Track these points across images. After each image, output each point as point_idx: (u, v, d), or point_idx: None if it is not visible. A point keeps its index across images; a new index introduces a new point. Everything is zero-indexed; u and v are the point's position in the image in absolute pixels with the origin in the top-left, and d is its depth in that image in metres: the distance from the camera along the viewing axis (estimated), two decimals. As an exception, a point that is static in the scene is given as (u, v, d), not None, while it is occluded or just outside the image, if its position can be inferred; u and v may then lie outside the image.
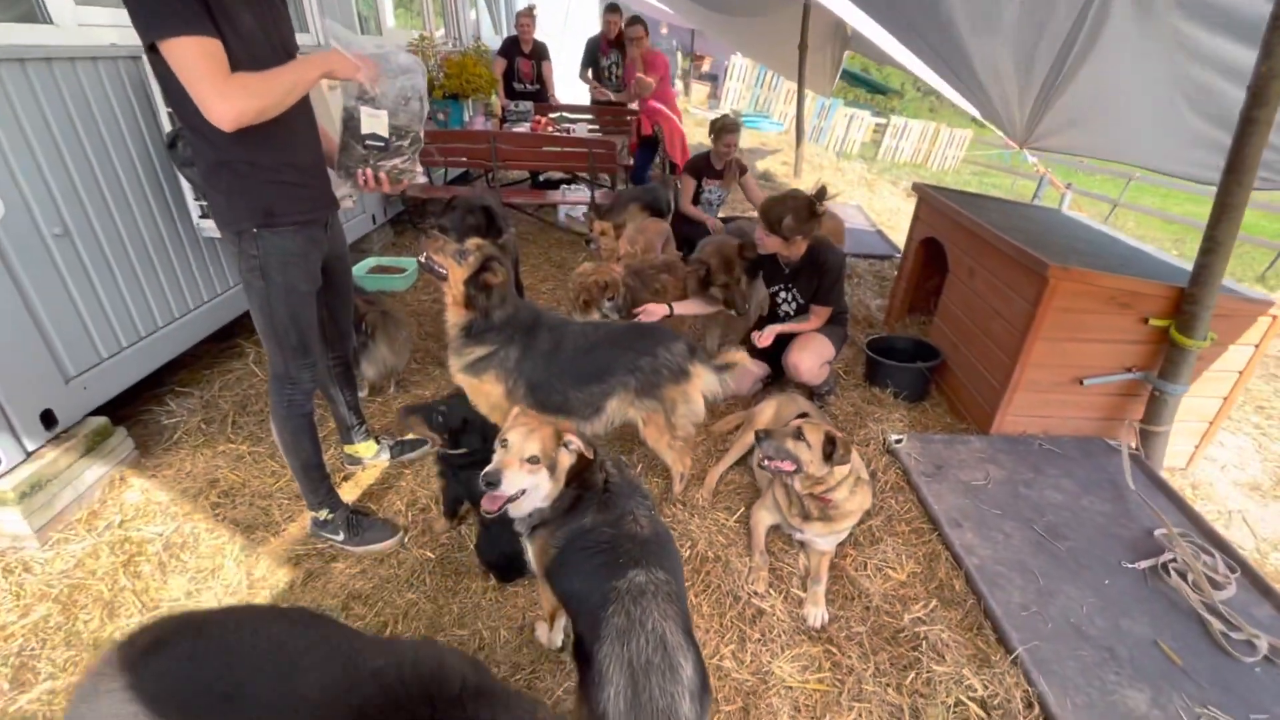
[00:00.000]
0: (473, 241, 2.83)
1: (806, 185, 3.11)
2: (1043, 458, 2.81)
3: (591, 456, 1.70)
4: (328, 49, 1.96)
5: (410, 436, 3.02)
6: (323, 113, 2.18)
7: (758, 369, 3.31)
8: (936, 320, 3.57)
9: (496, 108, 6.09)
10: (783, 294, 3.14)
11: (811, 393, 3.27)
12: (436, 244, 2.45)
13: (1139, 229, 10.09)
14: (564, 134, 5.82)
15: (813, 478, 2.22)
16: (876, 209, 7.47)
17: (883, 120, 14.15)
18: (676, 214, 4.85)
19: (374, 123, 2.07)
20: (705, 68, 19.03)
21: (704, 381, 2.51)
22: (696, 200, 4.71)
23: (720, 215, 4.80)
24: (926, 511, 2.53)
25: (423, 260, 2.41)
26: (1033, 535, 2.39)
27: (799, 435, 2.20)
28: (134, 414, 2.94)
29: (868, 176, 9.70)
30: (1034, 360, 2.74)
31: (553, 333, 2.46)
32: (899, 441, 2.89)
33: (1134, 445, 2.84)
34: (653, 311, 3.04)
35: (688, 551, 2.35)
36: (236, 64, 1.61)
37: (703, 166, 4.70)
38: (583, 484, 1.68)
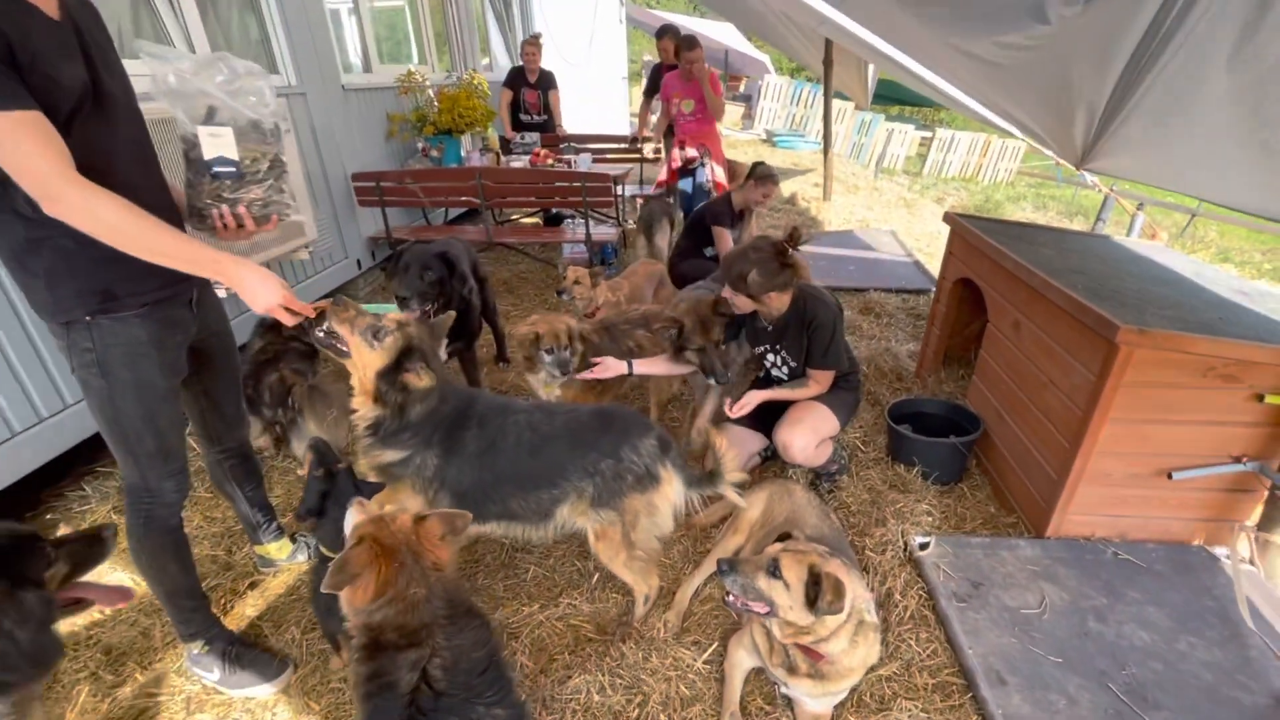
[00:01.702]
0: (392, 318, 2.40)
1: (837, 209, 2.57)
2: (1119, 573, 2.15)
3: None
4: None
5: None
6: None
7: (752, 441, 2.76)
8: (975, 380, 2.93)
9: (494, 142, 5.77)
10: (771, 356, 2.60)
11: (816, 475, 2.69)
12: (345, 313, 2.00)
13: (1223, 239, 8.97)
14: (563, 167, 5.45)
15: (794, 625, 1.66)
16: (915, 234, 6.77)
17: (928, 133, 13.33)
18: (684, 256, 4.38)
19: (218, 143, 1.66)
20: (740, 88, 18.62)
21: (675, 491, 1.99)
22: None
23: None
24: (958, 658, 1.92)
25: (320, 334, 1.97)
26: (1109, 700, 1.75)
27: (774, 571, 1.65)
28: (57, 495, 2.64)
29: (907, 196, 8.96)
30: (1102, 447, 2.10)
31: (487, 428, 1.97)
32: (925, 546, 2.28)
33: (1247, 558, 2.14)
34: (608, 367, 2.55)
35: (636, 711, 1.81)
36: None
37: (729, 214, 4.30)
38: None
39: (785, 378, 2.59)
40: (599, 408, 2.11)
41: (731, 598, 1.71)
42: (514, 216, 6.57)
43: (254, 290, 1.51)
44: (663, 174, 6.14)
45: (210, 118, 1.66)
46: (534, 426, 1.96)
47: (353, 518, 1.39)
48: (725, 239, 4.23)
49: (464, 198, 4.76)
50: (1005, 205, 9.93)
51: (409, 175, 4.57)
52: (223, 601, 2.24)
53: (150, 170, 1.62)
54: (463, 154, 5.61)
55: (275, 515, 2.35)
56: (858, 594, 1.75)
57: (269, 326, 3.07)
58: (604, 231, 5.32)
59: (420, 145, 5.50)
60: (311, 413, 2.65)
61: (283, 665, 1.96)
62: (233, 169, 1.68)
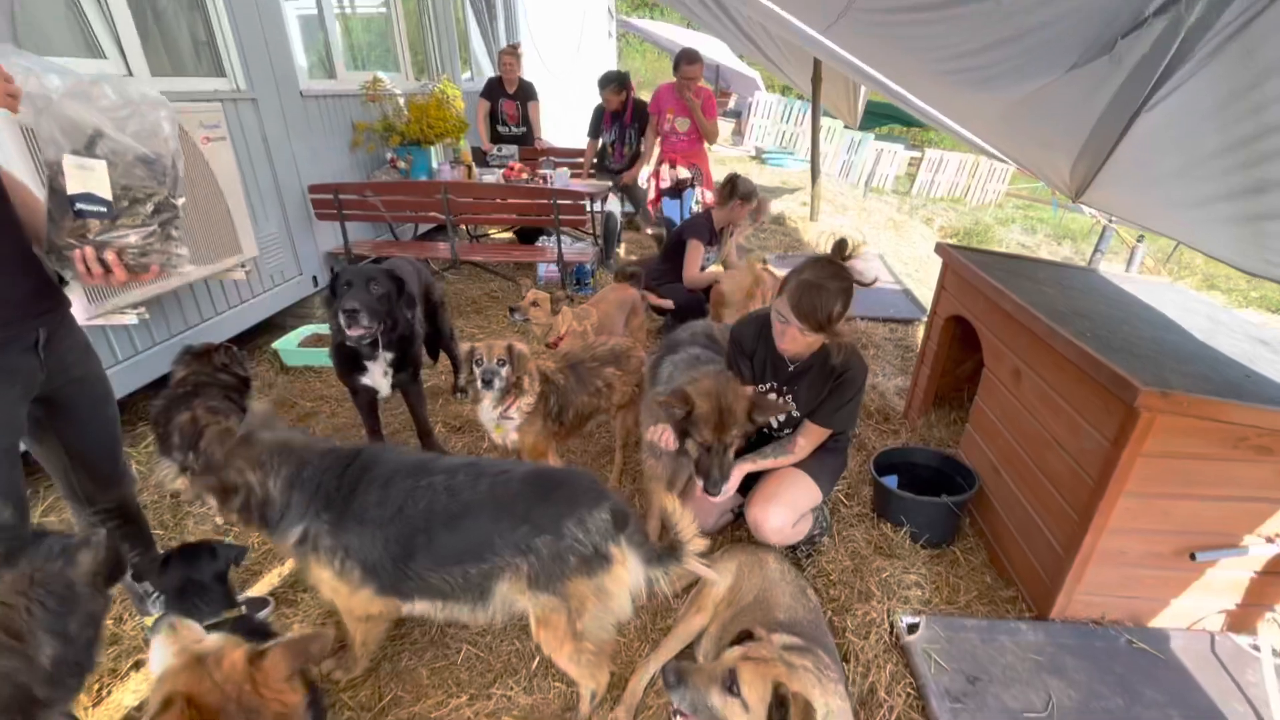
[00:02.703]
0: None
1: (824, 229, 2.24)
2: (1135, 666, 1.88)
3: None
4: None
5: (249, 594, 2.29)
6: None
7: (723, 497, 2.48)
8: (970, 429, 2.67)
9: (466, 155, 5.50)
10: (774, 398, 2.26)
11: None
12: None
13: (1208, 265, 8.86)
14: (539, 182, 5.19)
15: (757, 752, 1.37)
16: (904, 257, 6.56)
17: (917, 153, 13.26)
18: (662, 280, 4.12)
19: (86, 178, 1.38)
20: (730, 104, 18.53)
21: (631, 573, 1.68)
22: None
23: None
24: (952, 777, 1.63)
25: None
26: (1130, 839, 1.47)
27: (730, 686, 1.36)
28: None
29: (895, 217, 8.79)
30: (1116, 523, 1.84)
31: (392, 489, 1.66)
32: (914, 628, 2.00)
33: None
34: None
35: (568, 845, 1.51)
36: None
37: (709, 229, 4.05)
38: None
39: (777, 426, 2.29)
40: (540, 470, 1.79)
41: (678, 717, 1.42)
42: (490, 232, 6.30)
43: None
44: (652, 193, 5.91)
45: (90, 146, 1.38)
46: (453, 491, 1.64)
47: (160, 653, 1.06)
48: (696, 253, 3.98)
49: (429, 213, 4.48)
50: (994, 227, 9.80)
51: (369, 188, 4.28)
52: (97, 686, 1.91)
53: None
54: (434, 166, 5.34)
55: (168, 582, 2.03)
56: (832, 709, 1.47)
57: (195, 355, 2.75)
58: (579, 250, 5.06)
59: (388, 156, 5.22)
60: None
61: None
62: (103, 209, 1.40)
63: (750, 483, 2.33)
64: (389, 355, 2.57)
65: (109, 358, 2.88)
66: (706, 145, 5.63)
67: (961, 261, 2.76)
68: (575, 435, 2.88)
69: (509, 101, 6.22)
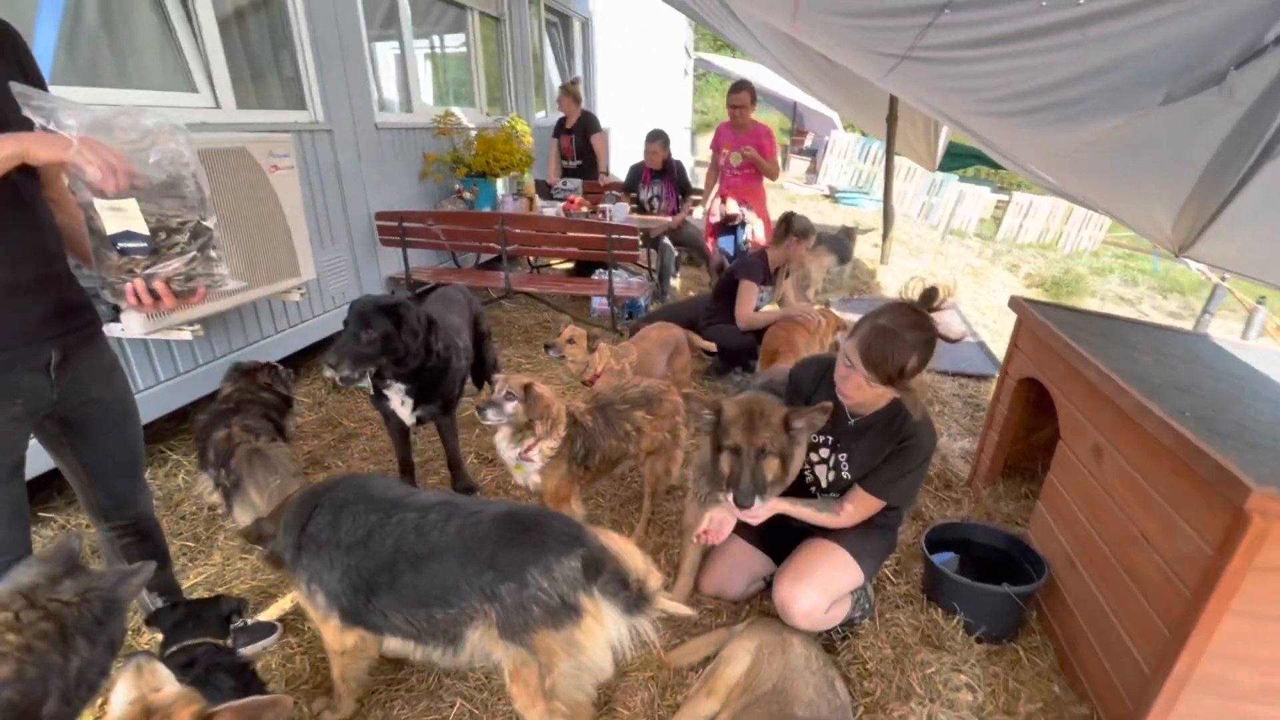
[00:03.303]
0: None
1: (895, 273, 2.06)
2: (1242, 829, 1.53)
3: None
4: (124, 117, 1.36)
5: (260, 617, 2.28)
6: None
7: (753, 561, 2.27)
8: (1041, 507, 2.35)
9: (529, 188, 5.62)
10: (825, 452, 2.05)
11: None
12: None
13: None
14: (597, 217, 5.21)
15: None
16: (981, 307, 6.13)
17: (1004, 196, 12.59)
18: (713, 320, 4.00)
19: (119, 219, 1.42)
20: (806, 142, 18.37)
21: (607, 628, 1.54)
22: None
23: None
24: None
25: None
26: None
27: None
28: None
29: (975, 263, 8.30)
30: (1220, 647, 1.52)
31: (359, 521, 1.63)
32: (961, 744, 1.72)
33: None
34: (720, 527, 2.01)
35: None
36: None
37: (763, 270, 3.93)
38: None
39: (824, 488, 2.08)
40: (513, 512, 1.67)
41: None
42: (551, 263, 6.38)
43: (37, 151, 1.22)
44: (706, 230, 5.84)
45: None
46: (421, 531, 1.59)
47: (120, 694, 1.02)
48: (749, 294, 3.83)
49: (487, 243, 4.56)
50: (1087, 278, 9.06)
51: (431, 216, 4.41)
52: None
53: (18, 246, 1.37)
54: (498, 197, 5.47)
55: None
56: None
57: (243, 372, 2.85)
58: (631, 284, 5.01)
59: (456, 187, 5.40)
60: (251, 480, 2.34)
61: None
62: (143, 243, 1.44)
63: (784, 553, 2.13)
64: (402, 388, 2.56)
65: (169, 370, 3.03)
66: (766, 182, 5.51)
67: (1038, 319, 2.48)
68: (601, 480, 2.76)
69: (566, 136, 6.37)
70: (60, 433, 1.56)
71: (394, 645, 1.71)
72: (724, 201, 5.34)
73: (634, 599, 1.54)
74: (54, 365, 1.45)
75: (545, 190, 6.17)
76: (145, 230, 1.44)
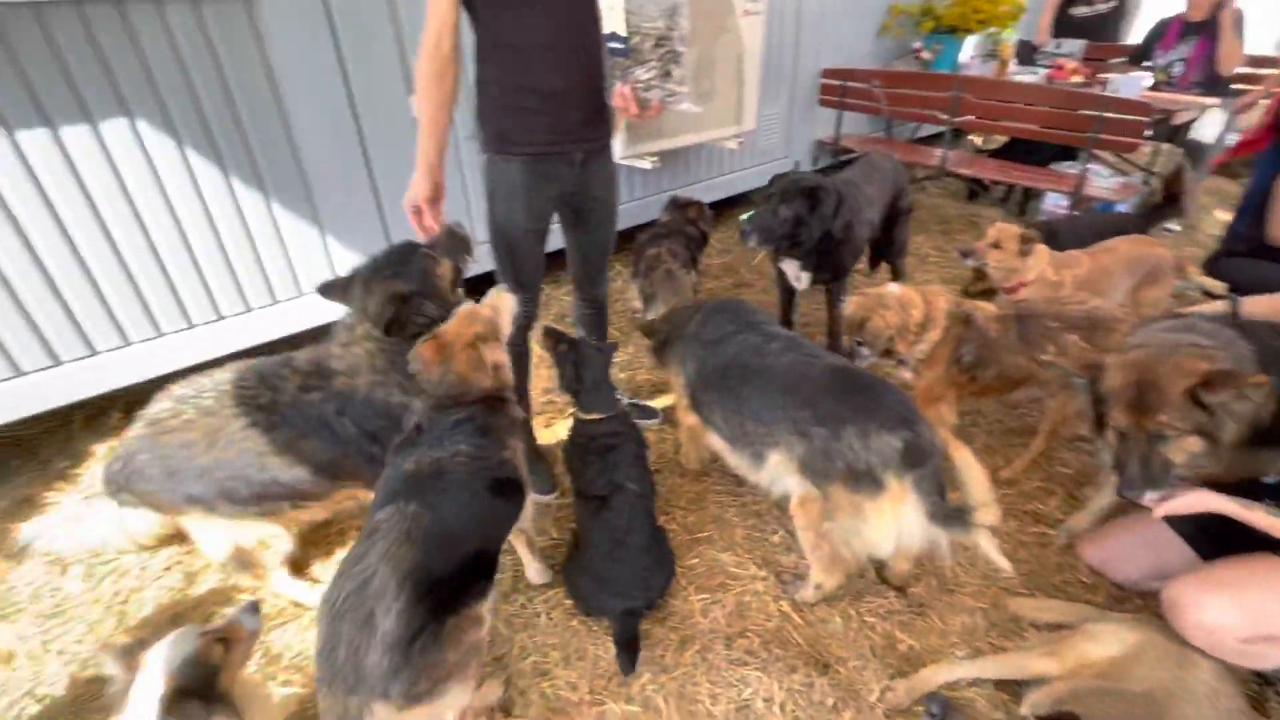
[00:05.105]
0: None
1: None
2: None
3: None
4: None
5: (649, 403, 2.80)
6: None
7: (1168, 549, 1.75)
8: None
9: (1006, 49, 4.60)
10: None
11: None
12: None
13: None
14: (1090, 89, 4.03)
15: None
16: None
17: None
18: (1236, 249, 2.86)
19: (611, 17, 1.64)
20: None
21: (900, 519, 1.50)
22: None
23: None
24: None
25: None
26: None
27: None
28: None
29: None
30: None
31: (719, 326, 1.98)
32: None
33: None
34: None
35: None
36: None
37: None
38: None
39: None
40: (851, 370, 1.71)
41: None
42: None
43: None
44: (1253, 126, 3.94)
45: None
46: (760, 351, 1.80)
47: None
48: None
49: (930, 110, 4.03)
50: None
51: (875, 76, 4.08)
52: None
53: (566, 38, 1.69)
54: (961, 59, 4.69)
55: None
56: None
57: (678, 206, 3.30)
58: (1113, 184, 3.87)
59: (915, 45, 4.82)
60: (661, 295, 2.79)
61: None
62: (621, 46, 1.64)
63: (1218, 556, 1.59)
64: (797, 263, 2.66)
65: (629, 193, 3.69)
66: None
67: None
68: (990, 396, 2.39)
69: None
70: (571, 217, 2.08)
71: (716, 444, 1.98)
72: None
73: (948, 513, 1.46)
74: (579, 163, 1.89)
75: (1029, 53, 4.98)
76: (624, 32, 1.61)
